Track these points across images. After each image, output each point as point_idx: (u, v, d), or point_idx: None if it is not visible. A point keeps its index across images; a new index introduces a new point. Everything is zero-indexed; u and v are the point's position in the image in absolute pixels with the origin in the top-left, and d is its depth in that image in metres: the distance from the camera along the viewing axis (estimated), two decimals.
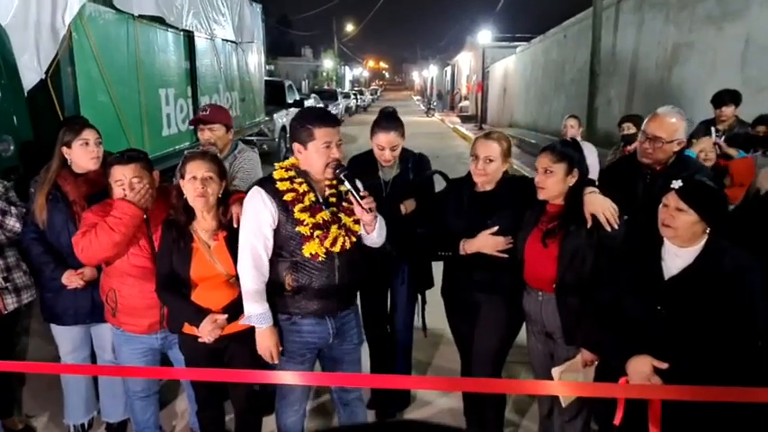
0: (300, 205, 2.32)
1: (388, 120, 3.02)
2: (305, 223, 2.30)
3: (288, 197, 2.32)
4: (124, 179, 2.56)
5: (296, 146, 2.37)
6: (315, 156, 2.33)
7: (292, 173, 2.38)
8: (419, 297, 3.30)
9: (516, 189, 2.73)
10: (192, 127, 6.75)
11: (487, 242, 2.66)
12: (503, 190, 2.73)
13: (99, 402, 3.25)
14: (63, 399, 3.22)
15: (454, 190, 2.89)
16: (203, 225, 2.54)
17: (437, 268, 3.25)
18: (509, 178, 2.78)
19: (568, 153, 2.51)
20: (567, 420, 2.70)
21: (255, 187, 2.39)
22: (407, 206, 2.99)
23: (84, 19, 4.45)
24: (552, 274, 2.49)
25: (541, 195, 2.53)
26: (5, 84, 3.94)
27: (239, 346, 2.61)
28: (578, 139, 5.77)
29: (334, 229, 2.34)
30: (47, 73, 4.17)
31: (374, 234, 2.45)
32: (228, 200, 2.59)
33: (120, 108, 4.98)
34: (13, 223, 2.93)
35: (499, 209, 2.68)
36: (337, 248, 2.35)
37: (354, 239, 2.43)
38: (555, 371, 2.55)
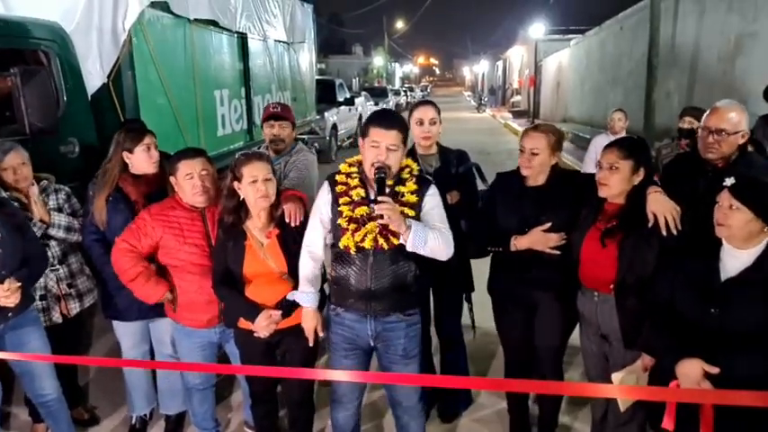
0: (346, 198, 2.39)
1: (424, 102, 3.23)
2: (344, 215, 2.38)
3: (338, 189, 2.41)
4: (194, 172, 2.67)
5: (360, 140, 2.46)
6: (365, 152, 2.37)
7: (354, 168, 2.45)
8: (464, 299, 3.29)
9: (568, 184, 2.68)
10: (245, 126, 6.97)
11: (540, 239, 2.61)
12: (554, 185, 2.67)
13: (157, 395, 3.37)
14: (125, 391, 3.34)
15: (503, 184, 2.85)
16: (257, 223, 2.59)
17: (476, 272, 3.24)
18: (560, 172, 2.72)
19: (636, 150, 2.42)
20: (621, 424, 2.63)
21: (326, 180, 2.50)
22: (453, 197, 2.97)
23: (144, 24, 4.61)
24: (610, 275, 2.41)
25: (603, 193, 2.44)
26: (71, 87, 4.13)
27: (293, 341, 2.66)
28: (623, 134, 5.64)
29: (370, 225, 2.35)
30: (109, 77, 4.35)
31: (408, 244, 2.29)
32: (279, 198, 2.63)
33: (178, 110, 5.14)
34: (76, 238, 3.10)
35: (551, 204, 2.63)
36: (366, 245, 2.36)
37: (397, 242, 2.34)
38: (615, 376, 2.47)
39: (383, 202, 2.19)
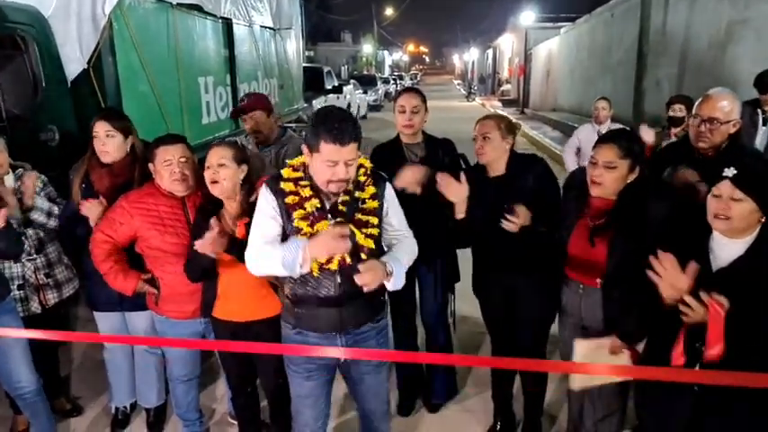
0: (301, 212, 2.11)
1: (408, 89, 3.15)
2: (303, 232, 2.10)
3: (289, 200, 2.12)
4: (173, 159, 2.60)
5: (304, 148, 2.09)
6: (317, 168, 2.06)
7: (300, 174, 2.17)
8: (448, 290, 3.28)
9: (526, 168, 2.73)
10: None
11: (509, 225, 2.54)
12: (514, 173, 2.72)
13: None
14: (108, 382, 3.32)
15: (470, 178, 2.85)
16: (229, 212, 2.54)
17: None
18: (516, 156, 2.77)
19: (635, 148, 2.33)
20: (600, 419, 2.59)
21: (264, 184, 2.22)
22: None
23: (124, 8, 4.50)
24: (598, 269, 2.38)
25: (596, 191, 2.35)
26: (49, 74, 4.04)
27: (263, 329, 2.59)
28: (608, 122, 5.72)
29: None
30: (89, 63, 4.25)
31: (390, 286, 2.17)
32: (255, 185, 2.53)
33: (161, 97, 5.04)
34: (54, 224, 3.02)
35: (513, 192, 2.63)
36: (334, 266, 2.13)
37: (365, 255, 2.14)
38: (580, 342, 2.39)
39: (360, 272, 2.01)
